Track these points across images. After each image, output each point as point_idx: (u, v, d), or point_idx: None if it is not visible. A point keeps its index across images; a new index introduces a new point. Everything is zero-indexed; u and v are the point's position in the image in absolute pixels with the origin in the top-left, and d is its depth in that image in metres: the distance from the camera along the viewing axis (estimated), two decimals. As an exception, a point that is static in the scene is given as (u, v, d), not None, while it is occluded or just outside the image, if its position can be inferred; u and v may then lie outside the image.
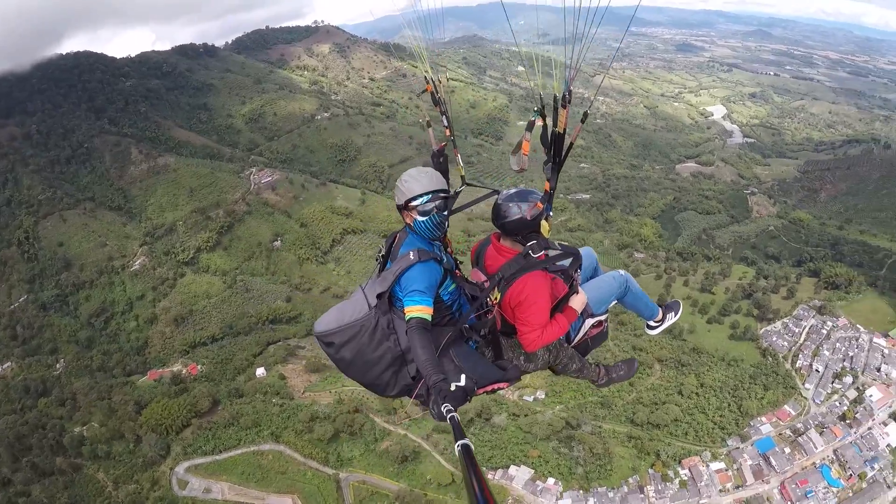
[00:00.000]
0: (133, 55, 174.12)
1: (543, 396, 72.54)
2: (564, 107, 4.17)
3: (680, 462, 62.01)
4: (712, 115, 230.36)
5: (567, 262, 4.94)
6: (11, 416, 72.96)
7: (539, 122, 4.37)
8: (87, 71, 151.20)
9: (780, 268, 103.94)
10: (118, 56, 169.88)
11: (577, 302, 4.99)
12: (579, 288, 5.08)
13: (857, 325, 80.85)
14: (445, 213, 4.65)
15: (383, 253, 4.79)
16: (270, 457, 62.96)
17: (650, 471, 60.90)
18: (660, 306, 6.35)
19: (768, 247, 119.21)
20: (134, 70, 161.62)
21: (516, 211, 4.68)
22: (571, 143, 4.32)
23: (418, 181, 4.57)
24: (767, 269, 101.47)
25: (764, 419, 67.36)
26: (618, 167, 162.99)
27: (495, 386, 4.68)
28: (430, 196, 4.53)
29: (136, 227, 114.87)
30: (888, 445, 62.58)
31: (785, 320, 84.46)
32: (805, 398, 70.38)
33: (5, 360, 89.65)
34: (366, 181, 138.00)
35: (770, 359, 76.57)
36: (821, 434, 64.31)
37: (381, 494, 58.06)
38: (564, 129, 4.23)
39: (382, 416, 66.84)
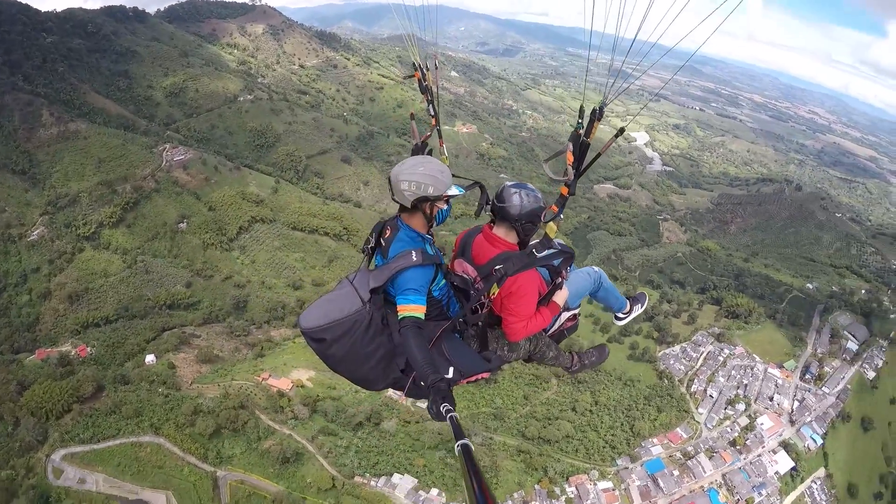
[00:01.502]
0: (59, 10, 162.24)
1: (438, 404, 71.63)
2: (599, 119, 4.37)
3: (567, 479, 62.38)
4: (635, 140, 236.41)
5: (559, 260, 5.28)
6: None
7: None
8: (8, 21, 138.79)
9: (683, 293, 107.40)
10: (43, 9, 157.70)
11: (561, 297, 5.33)
12: (563, 284, 5.37)
13: (754, 355, 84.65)
14: None
15: (372, 245, 4.79)
16: (149, 449, 59.11)
17: (536, 486, 60.83)
18: (627, 298, 6.70)
19: (675, 272, 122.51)
20: (57, 26, 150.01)
21: (518, 200, 4.95)
22: (599, 154, 4.54)
23: (447, 174, 4.60)
24: (671, 294, 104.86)
25: (655, 441, 69.15)
26: (537, 181, 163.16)
27: (479, 376, 4.85)
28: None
29: (38, 195, 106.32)
30: (776, 473, 65.99)
31: (684, 345, 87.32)
32: (697, 422, 72.76)
33: None
34: (281, 169, 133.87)
35: (666, 381, 78.80)
36: (710, 458, 66.68)
37: (259, 495, 55.35)
38: (590, 140, 4.39)
39: (269, 413, 64.25)
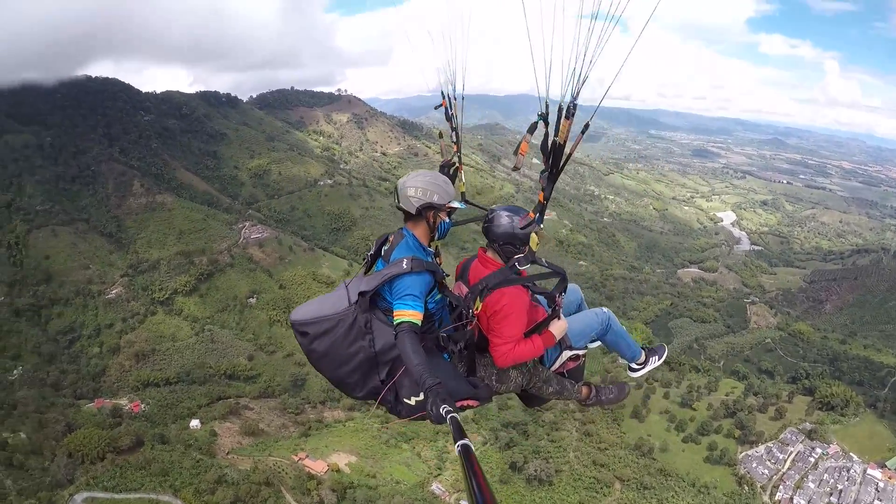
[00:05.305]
0: (158, 91, 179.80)
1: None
2: (568, 118, 4.12)
3: None
4: (722, 220, 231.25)
5: (553, 286, 5.04)
6: (-50, 408, 70.48)
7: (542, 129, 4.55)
8: (111, 98, 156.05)
9: (772, 384, 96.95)
10: (143, 90, 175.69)
11: (557, 328, 4.98)
12: (561, 314, 5.03)
13: (851, 454, 72.92)
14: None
15: (372, 253, 4.82)
16: (163, 509, 58.30)
17: None
18: (643, 349, 6.24)
19: (763, 360, 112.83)
20: (154, 106, 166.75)
21: (505, 221, 4.81)
22: (570, 154, 4.32)
23: (451, 186, 4.74)
24: (758, 386, 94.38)
25: (729, 563, 59.58)
26: (617, 268, 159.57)
27: (465, 403, 4.56)
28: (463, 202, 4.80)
29: (121, 257, 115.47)
30: None
31: (769, 444, 76.32)
32: (780, 540, 62.55)
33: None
34: (356, 253, 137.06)
35: (746, 488, 68.22)
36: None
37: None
38: (564, 141, 4.23)
39: (295, 493, 60.92)
